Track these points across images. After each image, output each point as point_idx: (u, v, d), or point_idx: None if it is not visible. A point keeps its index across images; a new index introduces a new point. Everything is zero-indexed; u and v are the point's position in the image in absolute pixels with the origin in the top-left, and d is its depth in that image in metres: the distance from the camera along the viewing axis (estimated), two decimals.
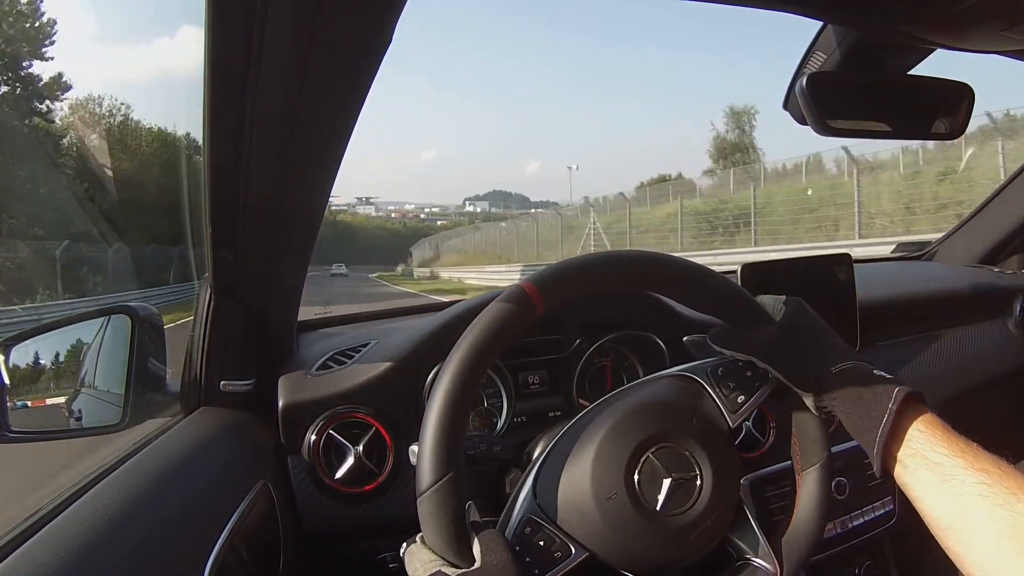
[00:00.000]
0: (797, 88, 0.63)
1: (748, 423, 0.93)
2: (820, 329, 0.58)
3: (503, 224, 32.95)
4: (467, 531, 0.47)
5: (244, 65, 0.45)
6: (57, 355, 0.71)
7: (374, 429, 0.78)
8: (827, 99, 0.64)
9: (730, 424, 0.55)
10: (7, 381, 0.64)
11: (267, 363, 0.80)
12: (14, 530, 0.47)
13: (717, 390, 0.57)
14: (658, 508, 0.51)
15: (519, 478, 0.56)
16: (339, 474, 0.76)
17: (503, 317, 0.51)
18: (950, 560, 0.47)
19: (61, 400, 0.71)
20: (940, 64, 0.66)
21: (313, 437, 0.76)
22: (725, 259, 10.19)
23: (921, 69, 0.67)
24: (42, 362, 0.70)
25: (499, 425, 0.88)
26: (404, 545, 0.51)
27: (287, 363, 0.83)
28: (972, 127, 0.87)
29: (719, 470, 0.53)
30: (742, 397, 0.56)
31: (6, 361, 0.64)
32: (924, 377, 1.13)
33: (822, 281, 1.04)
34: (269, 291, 0.78)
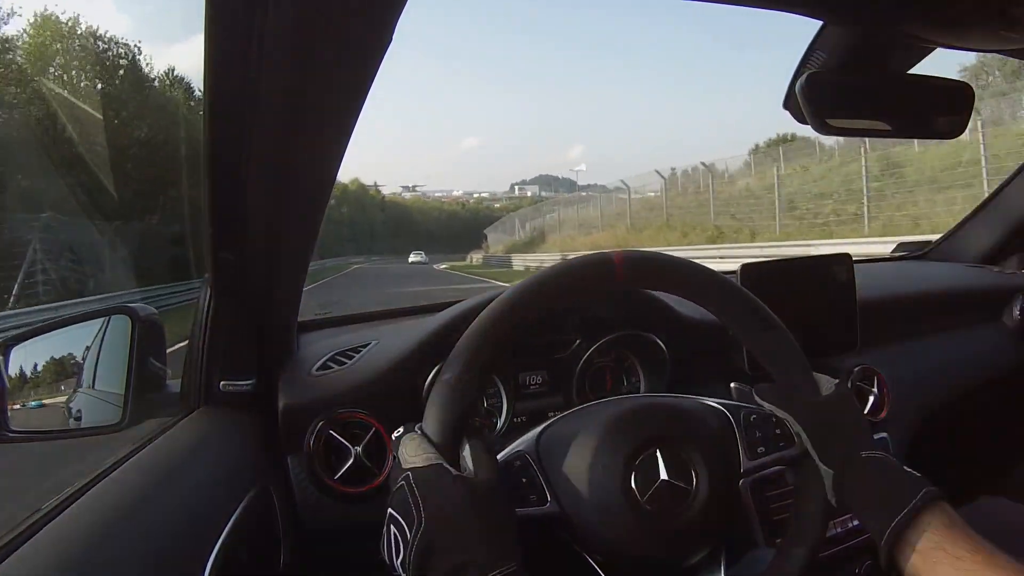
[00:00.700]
0: (797, 87, 0.63)
1: None
2: (859, 417, 0.60)
3: (597, 197, 25.52)
4: (462, 434, 0.49)
5: (244, 64, 0.45)
6: (57, 355, 0.71)
7: (374, 429, 0.77)
8: (827, 98, 0.64)
9: (742, 467, 0.56)
10: (7, 381, 0.64)
11: (267, 363, 0.80)
12: (14, 530, 0.47)
13: (743, 432, 0.57)
14: (642, 499, 0.51)
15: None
16: (339, 474, 0.76)
17: (580, 269, 0.54)
18: None
19: (61, 400, 0.71)
20: (940, 64, 0.66)
21: (313, 437, 0.76)
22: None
23: (921, 68, 0.67)
24: (42, 362, 0.70)
25: (499, 425, 0.88)
26: (400, 430, 0.52)
27: (287, 363, 0.83)
28: None
29: (715, 490, 0.53)
30: (763, 449, 0.56)
31: (6, 361, 0.64)
32: (924, 377, 1.13)
33: (822, 281, 1.04)
34: (270, 291, 0.78)
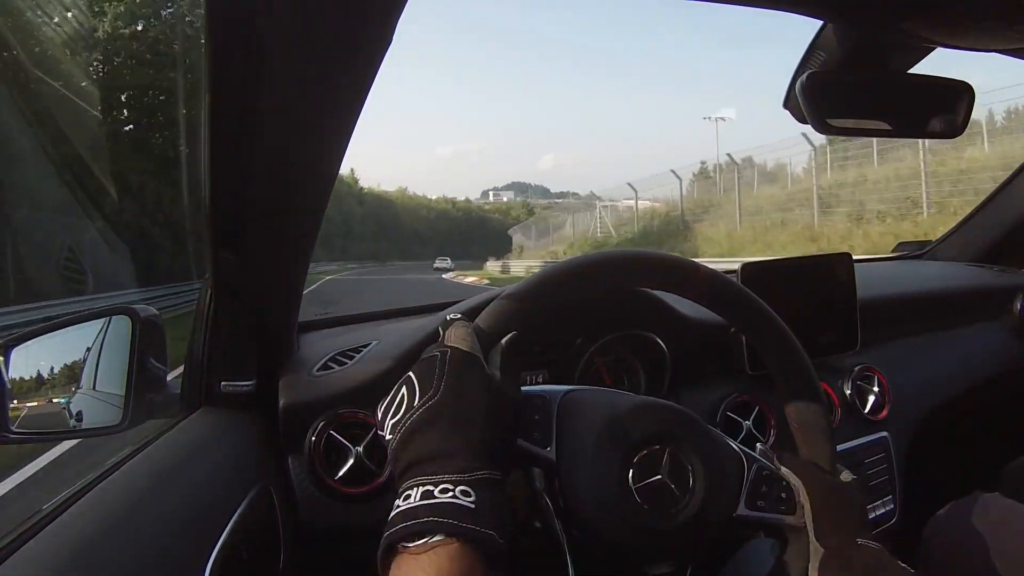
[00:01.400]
0: (797, 87, 0.63)
1: (748, 423, 0.93)
2: (865, 508, 0.63)
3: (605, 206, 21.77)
4: (500, 347, 0.53)
5: (245, 64, 0.45)
6: (57, 356, 0.71)
7: (375, 429, 0.78)
8: (827, 98, 0.64)
9: (737, 510, 0.56)
10: (7, 382, 0.64)
11: (268, 363, 0.80)
12: (15, 530, 0.47)
13: (750, 481, 0.58)
14: (634, 486, 0.51)
15: (519, 479, 0.56)
16: (340, 474, 0.76)
17: (665, 265, 0.58)
18: (949, 559, 0.47)
19: (61, 401, 0.71)
20: (940, 63, 0.66)
21: (314, 438, 0.76)
22: None
23: (921, 68, 0.67)
24: (42, 363, 0.70)
25: None
26: (457, 314, 0.55)
27: (288, 364, 0.83)
28: None
29: (705, 510, 0.53)
30: (763, 503, 0.57)
31: (7, 362, 0.64)
32: (924, 377, 1.13)
33: (822, 281, 1.04)
34: (270, 291, 0.78)
